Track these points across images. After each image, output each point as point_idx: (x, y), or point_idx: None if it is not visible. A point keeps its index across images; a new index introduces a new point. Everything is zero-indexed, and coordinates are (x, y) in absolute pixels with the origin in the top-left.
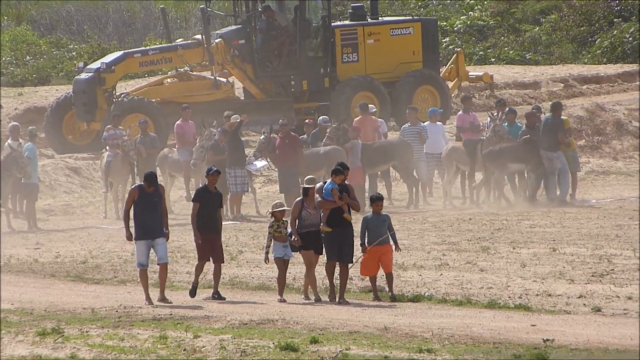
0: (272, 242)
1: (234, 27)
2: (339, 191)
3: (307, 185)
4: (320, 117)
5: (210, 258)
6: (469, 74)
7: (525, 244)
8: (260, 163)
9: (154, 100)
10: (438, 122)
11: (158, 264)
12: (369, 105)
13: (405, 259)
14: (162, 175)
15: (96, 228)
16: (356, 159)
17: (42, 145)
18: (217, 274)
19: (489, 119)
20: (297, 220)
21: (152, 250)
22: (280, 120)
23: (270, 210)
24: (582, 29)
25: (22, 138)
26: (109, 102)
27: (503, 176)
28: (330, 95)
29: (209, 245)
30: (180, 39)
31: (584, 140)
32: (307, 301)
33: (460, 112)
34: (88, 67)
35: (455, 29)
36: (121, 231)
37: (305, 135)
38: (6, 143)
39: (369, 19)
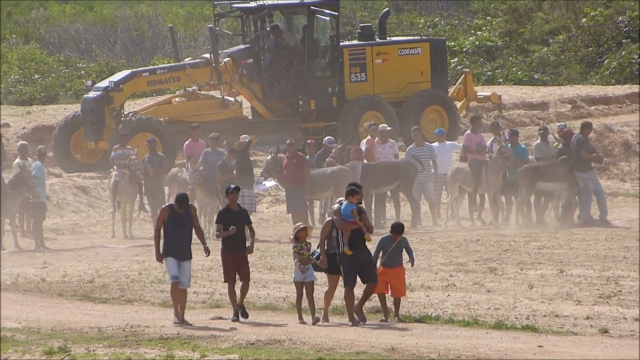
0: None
1: (242, 46)
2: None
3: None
4: (326, 138)
5: (237, 275)
6: (477, 94)
7: (533, 265)
8: (269, 183)
9: (162, 119)
10: (447, 142)
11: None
12: (382, 125)
13: (412, 279)
14: (172, 194)
15: (104, 247)
16: (356, 179)
17: (50, 164)
18: (244, 290)
19: (491, 139)
20: (325, 241)
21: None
22: (288, 140)
23: (293, 234)
24: (591, 49)
25: (31, 157)
26: (117, 121)
27: (531, 195)
28: (338, 115)
29: (235, 263)
30: (189, 58)
31: None
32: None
33: (468, 132)
34: (96, 85)
35: (463, 49)
36: (128, 250)
37: (307, 157)
38: (15, 162)
39: (377, 39)
